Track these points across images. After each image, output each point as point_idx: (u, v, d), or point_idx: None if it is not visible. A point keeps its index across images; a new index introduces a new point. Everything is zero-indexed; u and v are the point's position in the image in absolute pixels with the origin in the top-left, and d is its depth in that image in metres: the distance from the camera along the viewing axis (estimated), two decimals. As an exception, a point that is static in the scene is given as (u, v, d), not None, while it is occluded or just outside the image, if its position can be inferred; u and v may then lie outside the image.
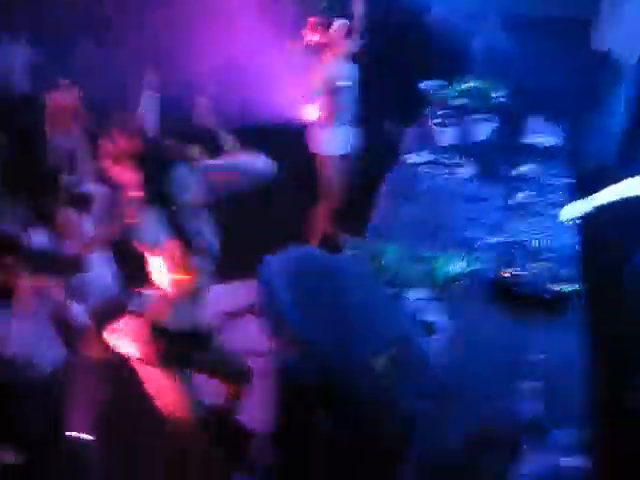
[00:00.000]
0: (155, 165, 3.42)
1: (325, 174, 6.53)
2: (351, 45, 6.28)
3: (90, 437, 4.45)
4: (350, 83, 6.26)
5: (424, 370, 2.70)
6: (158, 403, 3.89)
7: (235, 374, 4.25)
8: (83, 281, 5.20)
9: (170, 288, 3.51)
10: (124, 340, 3.79)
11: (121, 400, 4.66)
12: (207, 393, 4.13)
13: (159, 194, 3.39)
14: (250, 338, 4.22)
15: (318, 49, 6.40)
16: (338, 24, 6.21)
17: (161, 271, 3.49)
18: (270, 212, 6.83)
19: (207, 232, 3.53)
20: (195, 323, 3.73)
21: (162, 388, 3.82)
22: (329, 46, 6.25)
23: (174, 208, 3.38)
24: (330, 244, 6.29)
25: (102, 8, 9.20)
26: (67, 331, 5.04)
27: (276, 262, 2.86)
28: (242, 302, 4.63)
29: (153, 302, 3.74)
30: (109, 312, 5.26)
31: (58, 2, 9.13)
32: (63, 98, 8.08)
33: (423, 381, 2.62)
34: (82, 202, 5.87)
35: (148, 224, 3.38)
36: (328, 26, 6.29)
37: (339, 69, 6.23)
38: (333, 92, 6.19)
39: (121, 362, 5.04)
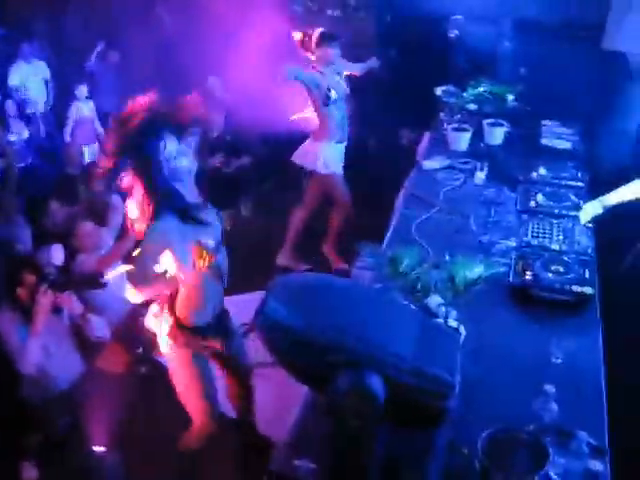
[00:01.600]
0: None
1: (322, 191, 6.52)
2: (331, 54, 6.06)
3: (107, 449, 4.49)
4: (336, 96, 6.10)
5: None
6: (184, 400, 3.94)
7: (247, 373, 4.31)
8: (100, 295, 5.25)
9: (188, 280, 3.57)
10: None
11: (138, 413, 4.70)
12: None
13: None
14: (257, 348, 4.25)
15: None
16: (315, 32, 6.02)
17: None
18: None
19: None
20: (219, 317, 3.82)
21: (189, 383, 3.87)
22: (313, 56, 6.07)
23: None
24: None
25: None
26: (85, 345, 5.09)
27: (277, 290, 2.70)
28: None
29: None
30: (127, 326, 5.33)
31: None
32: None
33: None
34: (101, 214, 5.93)
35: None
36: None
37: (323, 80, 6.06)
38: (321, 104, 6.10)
39: (138, 375, 5.12)
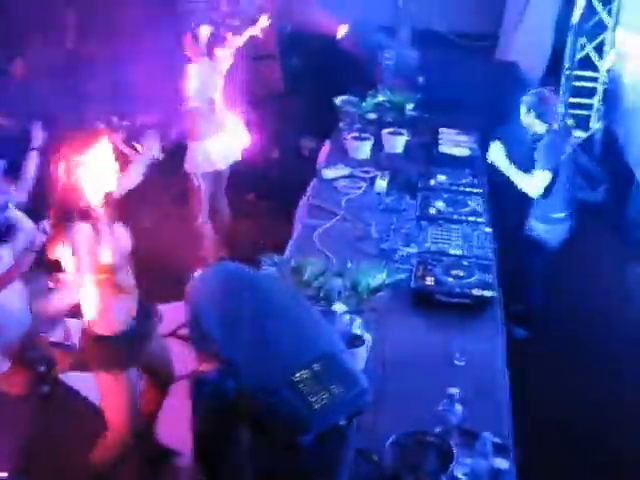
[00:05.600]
0: None
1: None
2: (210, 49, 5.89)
3: (10, 475, 4.35)
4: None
5: (350, 384, 2.71)
6: (107, 411, 3.86)
7: (166, 379, 4.25)
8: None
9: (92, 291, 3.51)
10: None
11: (42, 433, 4.57)
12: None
13: None
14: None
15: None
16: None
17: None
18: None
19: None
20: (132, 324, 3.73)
21: (108, 392, 3.81)
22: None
23: None
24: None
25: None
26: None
27: (202, 280, 2.88)
28: (167, 325, 4.58)
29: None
30: (27, 344, 5.17)
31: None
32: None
33: (350, 395, 2.63)
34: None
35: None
36: None
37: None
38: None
39: (40, 395, 4.98)
